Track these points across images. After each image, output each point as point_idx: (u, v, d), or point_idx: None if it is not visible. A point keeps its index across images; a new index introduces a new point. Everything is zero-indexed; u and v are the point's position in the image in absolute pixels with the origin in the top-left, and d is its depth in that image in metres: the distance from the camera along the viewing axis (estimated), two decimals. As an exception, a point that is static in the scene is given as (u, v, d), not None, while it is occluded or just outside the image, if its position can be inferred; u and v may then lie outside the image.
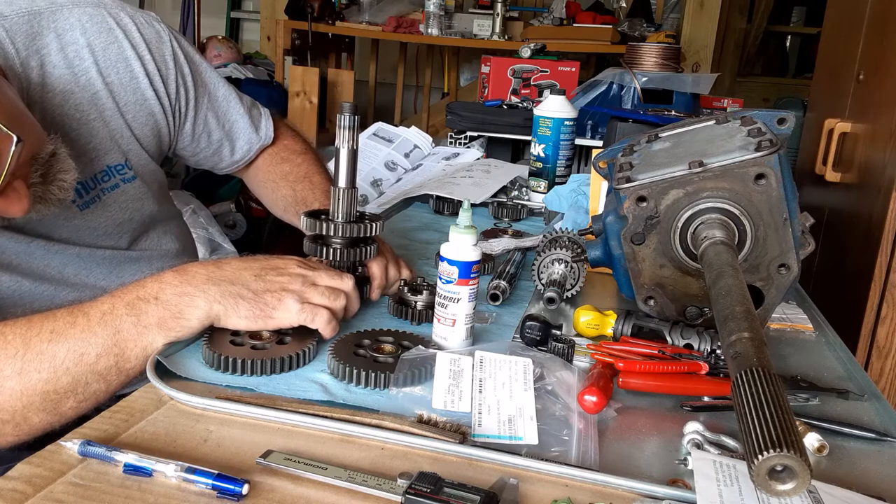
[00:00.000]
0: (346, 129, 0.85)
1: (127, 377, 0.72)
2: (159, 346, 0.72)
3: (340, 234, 0.87)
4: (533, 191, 1.53)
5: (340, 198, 0.87)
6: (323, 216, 0.89)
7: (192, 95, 1.04)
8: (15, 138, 0.69)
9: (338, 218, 0.87)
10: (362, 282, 0.92)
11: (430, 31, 3.23)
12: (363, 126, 1.95)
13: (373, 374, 0.71)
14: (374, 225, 0.88)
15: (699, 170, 0.77)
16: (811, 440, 0.66)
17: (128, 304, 0.72)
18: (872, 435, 0.69)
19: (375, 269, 0.92)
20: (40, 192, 0.77)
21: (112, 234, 0.97)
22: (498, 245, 1.13)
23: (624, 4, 3.38)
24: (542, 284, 0.98)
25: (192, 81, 1.04)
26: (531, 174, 1.54)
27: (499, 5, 3.18)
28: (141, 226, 1.01)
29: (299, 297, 0.77)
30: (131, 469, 0.56)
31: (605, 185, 1.04)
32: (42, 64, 0.87)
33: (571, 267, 0.98)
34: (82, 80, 0.90)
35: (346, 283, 0.82)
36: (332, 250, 0.87)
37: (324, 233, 0.87)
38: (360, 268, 0.93)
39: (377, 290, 0.93)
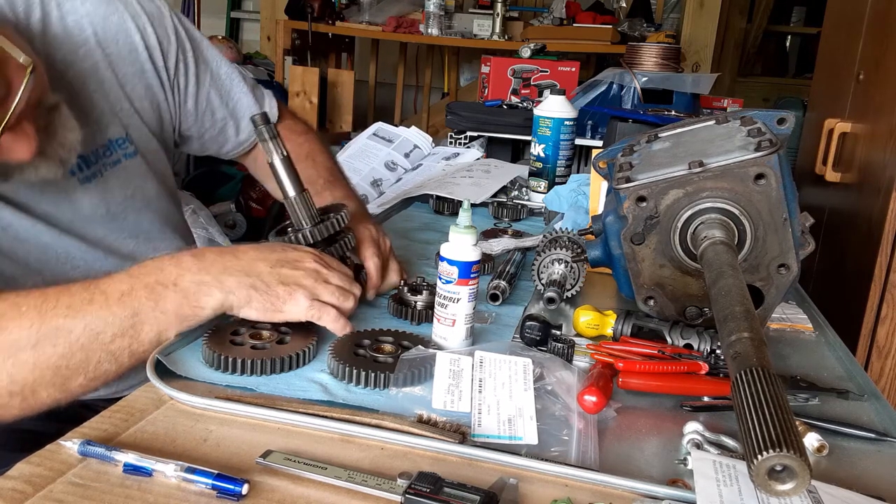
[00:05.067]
0: (268, 141, 0.84)
1: (137, 361, 0.72)
2: (172, 333, 0.73)
3: (314, 240, 0.85)
4: (533, 191, 1.53)
5: (297, 206, 0.86)
6: (290, 229, 0.88)
7: (192, 72, 1.03)
8: (30, 68, 0.70)
9: (304, 225, 0.86)
10: (355, 273, 0.91)
11: (430, 31, 3.23)
12: (363, 126, 1.95)
13: (373, 374, 0.71)
14: (339, 217, 0.87)
15: (699, 170, 0.77)
16: (811, 440, 0.66)
17: (147, 288, 0.72)
18: (872, 435, 0.69)
19: (372, 268, 0.92)
20: (43, 143, 0.77)
21: (116, 215, 0.95)
22: (498, 245, 1.13)
23: (624, 4, 3.39)
24: (542, 284, 0.98)
25: (193, 58, 1.03)
26: (531, 174, 1.54)
27: (499, 5, 3.18)
28: (144, 206, 0.99)
29: (310, 294, 0.78)
30: (131, 469, 0.56)
31: (604, 185, 1.04)
32: (44, 34, 0.87)
33: (571, 267, 0.98)
34: (81, 52, 0.90)
35: (356, 288, 0.83)
36: None
37: (300, 242, 0.86)
38: (348, 258, 0.91)
39: (372, 291, 0.93)
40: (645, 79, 1.98)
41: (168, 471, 0.55)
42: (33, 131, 0.74)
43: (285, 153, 0.85)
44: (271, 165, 0.85)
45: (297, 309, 0.77)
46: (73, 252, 0.91)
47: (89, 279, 0.73)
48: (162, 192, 1.03)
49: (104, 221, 0.94)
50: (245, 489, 0.54)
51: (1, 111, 0.69)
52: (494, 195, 1.48)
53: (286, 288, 0.77)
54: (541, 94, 2.36)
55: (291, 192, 0.86)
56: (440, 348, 0.78)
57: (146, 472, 0.56)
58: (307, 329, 0.79)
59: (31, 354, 0.68)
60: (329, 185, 1.06)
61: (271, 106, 1.15)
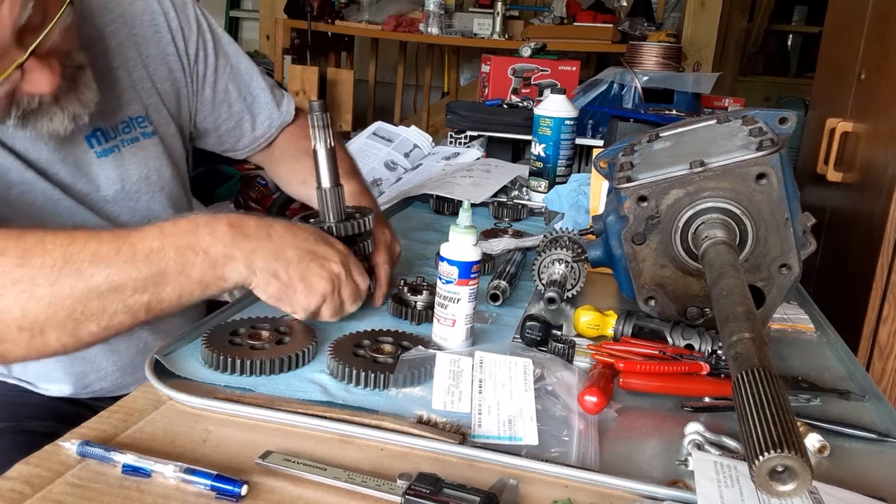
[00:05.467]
0: (319, 128, 0.85)
1: (153, 317, 0.73)
2: (195, 297, 0.74)
3: (337, 234, 0.86)
4: (533, 191, 1.53)
5: (328, 198, 0.86)
6: (312, 220, 0.88)
7: (211, 62, 1.06)
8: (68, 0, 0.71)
9: (330, 219, 0.87)
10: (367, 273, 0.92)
11: (429, 30, 3.23)
12: (363, 126, 1.95)
13: (372, 375, 0.71)
14: (366, 220, 0.88)
15: (700, 169, 0.77)
16: (812, 441, 0.65)
17: (177, 250, 0.72)
18: (874, 436, 0.69)
19: (382, 276, 0.93)
20: (63, 92, 0.78)
21: (130, 194, 0.96)
22: (498, 245, 1.13)
23: (625, 3, 3.38)
24: (543, 284, 0.98)
25: (213, 50, 1.06)
26: (531, 174, 1.54)
27: (499, 4, 3.18)
28: (158, 189, 1.00)
29: (321, 300, 0.79)
30: (130, 469, 0.56)
31: (605, 184, 1.04)
32: (80, 4, 0.88)
33: (572, 267, 0.98)
34: (109, 29, 0.93)
35: (355, 306, 0.84)
36: None
37: None
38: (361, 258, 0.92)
39: (380, 299, 0.93)
40: (646, 78, 1.98)
41: (167, 471, 0.55)
42: (59, 70, 0.75)
43: (332, 144, 0.86)
44: (315, 152, 0.86)
45: (303, 309, 0.79)
46: (89, 226, 0.91)
47: (120, 229, 0.73)
48: (176, 179, 1.04)
49: (119, 199, 0.95)
50: (244, 490, 0.54)
51: (33, 36, 0.70)
52: (494, 195, 1.48)
53: (305, 286, 0.78)
54: (541, 94, 2.36)
55: (327, 183, 0.87)
56: (440, 348, 0.78)
57: (145, 473, 0.55)
58: (306, 329, 0.79)
59: (47, 292, 0.68)
60: (345, 175, 1.06)
61: (289, 105, 1.16)
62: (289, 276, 0.77)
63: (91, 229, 0.73)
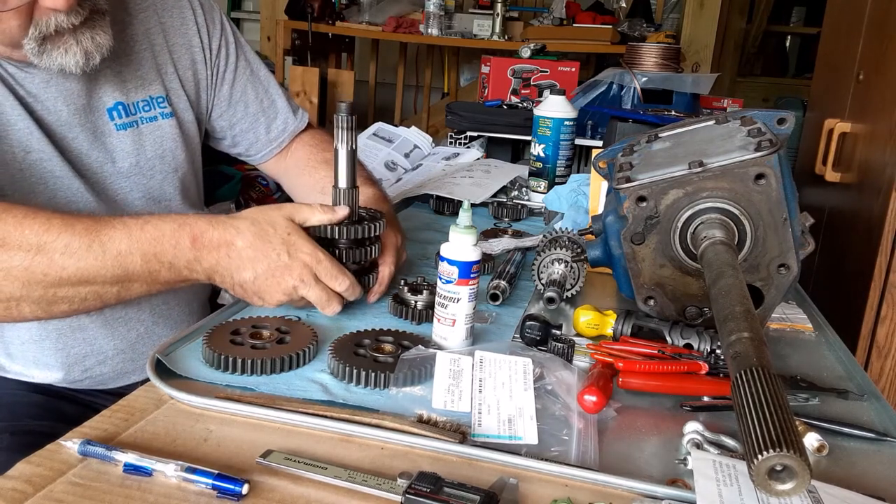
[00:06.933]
0: (343, 130, 0.86)
1: (123, 301, 0.81)
2: (166, 289, 0.82)
3: (345, 236, 0.86)
4: (533, 191, 1.53)
5: (343, 198, 0.88)
6: None
7: (232, 61, 1.11)
8: None
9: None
10: (367, 270, 0.92)
11: (430, 31, 3.23)
12: (363, 126, 1.95)
13: (373, 374, 0.71)
14: (376, 225, 0.88)
15: (699, 170, 0.77)
16: (811, 440, 0.66)
17: (144, 257, 0.77)
18: (872, 435, 0.69)
19: (385, 277, 0.94)
20: (78, 26, 0.82)
21: (144, 170, 0.99)
22: (498, 245, 1.13)
23: (624, 4, 3.39)
24: (542, 284, 0.98)
25: (235, 51, 1.11)
26: (531, 174, 1.54)
27: (499, 5, 3.18)
28: (172, 171, 1.03)
29: (278, 305, 0.84)
30: (131, 469, 0.56)
31: (604, 185, 1.04)
32: None
33: (571, 267, 0.98)
34: (141, 16, 1.00)
35: (329, 310, 0.86)
36: (337, 251, 0.87)
37: (328, 235, 0.86)
38: (365, 263, 0.92)
39: (375, 297, 0.93)
40: (645, 79, 1.98)
41: (168, 471, 0.55)
42: None
43: (354, 147, 0.88)
44: (336, 151, 0.88)
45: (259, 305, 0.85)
46: (98, 209, 0.93)
47: (95, 219, 0.77)
48: (190, 165, 1.07)
49: (132, 174, 0.98)
50: (245, 489, 0.54)
51: None
52: (494, 195, 1.48)
53: (259, 298, 0.83)
54: (541, 94, 2.36)
55: (344, 183, 0.88)
56: (440, 348, 0.78)
57: (146, 472, 0.56)
58: (307, 329, 0.79)
59: (22, 274, 0.73)
60: (364, 181, 1.08)
61: (304, 116, 1.19)
62: (244, 290, 0.82)
63: (68, 217, 0.76)
